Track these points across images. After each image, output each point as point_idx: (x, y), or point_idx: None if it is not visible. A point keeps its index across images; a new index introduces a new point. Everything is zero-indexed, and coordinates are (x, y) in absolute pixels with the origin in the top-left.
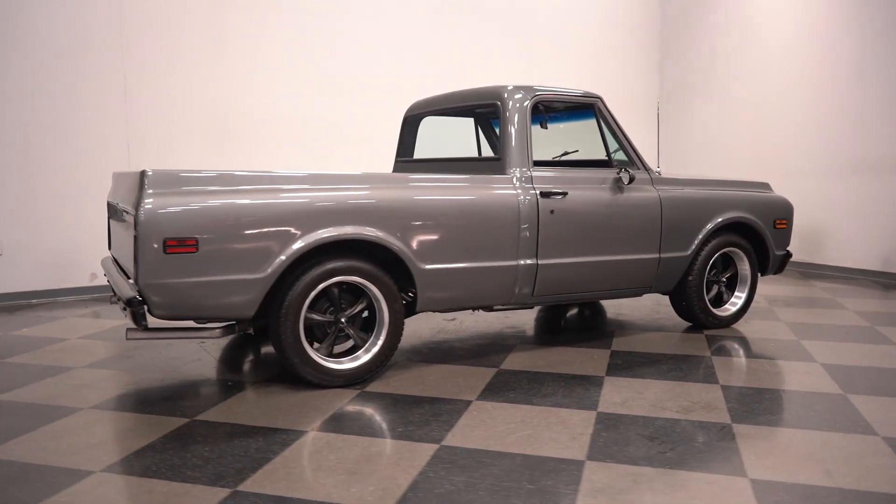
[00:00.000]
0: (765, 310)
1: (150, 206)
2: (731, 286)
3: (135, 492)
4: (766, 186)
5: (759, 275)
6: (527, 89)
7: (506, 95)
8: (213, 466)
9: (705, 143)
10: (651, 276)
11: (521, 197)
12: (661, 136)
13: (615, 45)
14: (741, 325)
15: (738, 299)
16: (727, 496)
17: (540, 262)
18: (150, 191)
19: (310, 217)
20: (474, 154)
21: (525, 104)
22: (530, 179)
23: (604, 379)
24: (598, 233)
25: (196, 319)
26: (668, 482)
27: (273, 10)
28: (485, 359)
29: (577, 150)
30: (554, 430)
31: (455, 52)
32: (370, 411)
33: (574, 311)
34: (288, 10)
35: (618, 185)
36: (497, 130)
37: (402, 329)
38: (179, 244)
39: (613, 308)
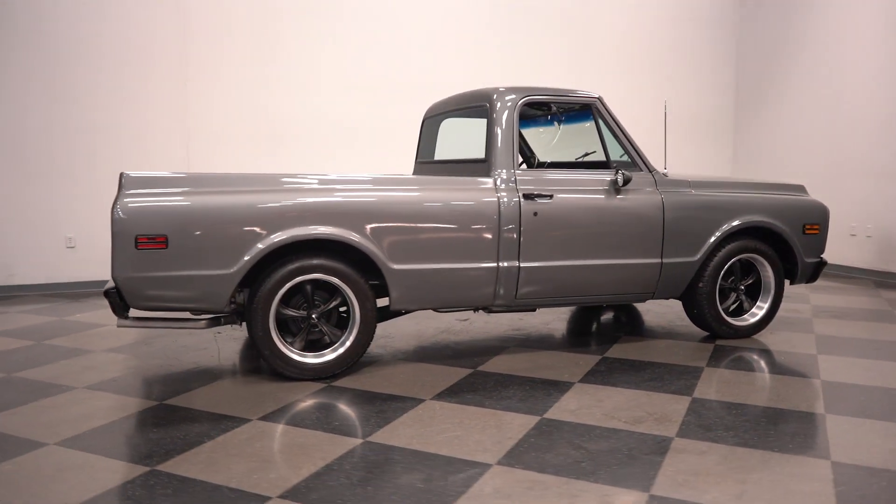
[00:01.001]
0: (803, 321)
1: (124, 206)
2: (756, 294)
3: (68, 464)
4: (799, 189)
5: (784, 283)
6: (516, 90)
7: (495, 97)
8: (150, 447)
9: (782, 142)
10: (652, 282)
11: (503, 199)
12: (736, 136)
13: (688, 42)
14: (763, 336)
15: (759, 309)
16: None
17: (522, 264)
18: (127, 191)
19: (275, 217)
20: None
21: (513, 106)
22: (514, 181)
23: (573, 385)
24: (588, 236)
25: (173, 311)
26: (562, 491)
27: (321, 17)
28: (469, 359)
29: (594, 152)
30: (485, 434)
31: (508, 53)
32: (321, 404)
33: (609, 315)
34: (334, 18)
35: (613, 188)
36: (522, 133)
37: (374, 327)
38: (150, 241)
39: (642, 313)
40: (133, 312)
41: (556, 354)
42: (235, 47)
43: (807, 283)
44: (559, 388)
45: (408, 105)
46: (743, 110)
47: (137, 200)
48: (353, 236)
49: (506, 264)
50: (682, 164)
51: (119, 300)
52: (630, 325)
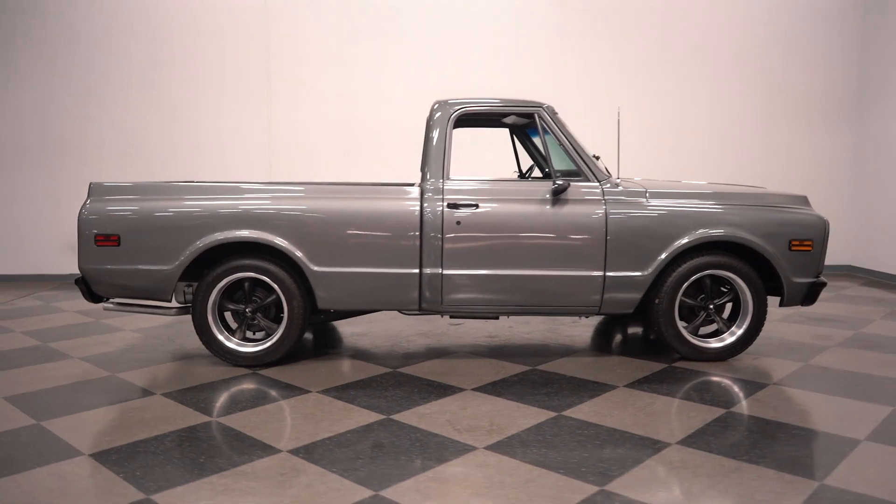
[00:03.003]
0: (814, 347)
1: (87, 209)
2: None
3: None
4: (797, 200)
5: (766, 304)
6: (453, 103)
7: (435, 108)
8: (59, 405)
9: None
10: (594, 296)
11: (427, 207)
12: (859, 138)
13: (803, 32)
14: (740, 360)
15: (730, 335)
16: (324, 500)
17: (445, 272)
18: (92, 197)
19: (207, 222)
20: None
21: (446, 118)
22: (440, 191)
23: (461, 392)
24: (515, 245)
25: (134, 298)
26: (305, 481)
27: (392, 34)
28: (402, 360)
29: (598, 157)
30: (318, 426)
31: (580, 57)
32: (225, 387)
33: (637, 330)
34: (404, 38)
35: (547, 197)
36: (534, 141)
37: (302, 323)
38: (105, 239)
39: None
40: (115, 299)
41: (489, 363)
42: (313, 65)
43: (801, 305)
44: (444, 392)
45: None
46: (867, 100)
47: (98, 205)
48: (275, 239)
49: (429, 271)
50: (796, 164)
51: (86, 288)
52: (630, 341)
